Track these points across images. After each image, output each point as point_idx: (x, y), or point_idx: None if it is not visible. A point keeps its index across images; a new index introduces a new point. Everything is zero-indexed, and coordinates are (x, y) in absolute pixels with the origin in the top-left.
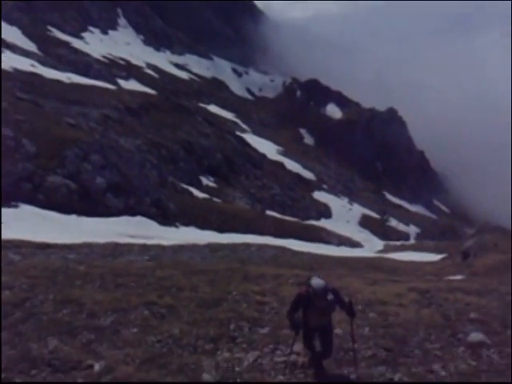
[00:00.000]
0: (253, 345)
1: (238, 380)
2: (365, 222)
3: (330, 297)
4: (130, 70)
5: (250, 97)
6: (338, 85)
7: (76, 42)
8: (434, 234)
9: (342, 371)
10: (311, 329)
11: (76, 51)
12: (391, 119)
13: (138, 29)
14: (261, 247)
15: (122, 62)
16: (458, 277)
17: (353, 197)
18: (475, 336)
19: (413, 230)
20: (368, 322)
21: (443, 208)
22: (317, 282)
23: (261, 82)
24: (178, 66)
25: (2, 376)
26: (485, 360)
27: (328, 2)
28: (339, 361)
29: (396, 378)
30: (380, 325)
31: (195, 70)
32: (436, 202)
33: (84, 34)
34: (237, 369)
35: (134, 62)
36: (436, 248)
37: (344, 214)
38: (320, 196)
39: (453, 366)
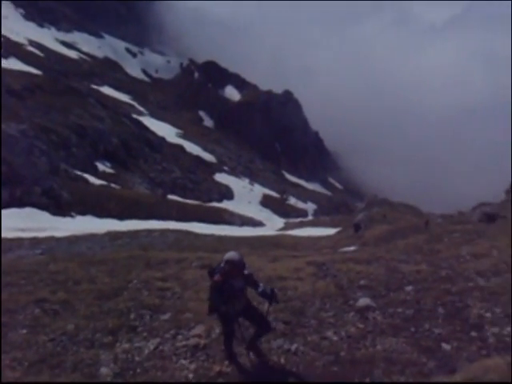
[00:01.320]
0: (153, 332)
1: (138, 370)
2: (266, 202)
3: (247, 271)
4: (10, 48)
5: (146, 78)
6: (236, 67)
7: None
8: (329, 210)
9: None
10: (233, 316)
11: None
12: (287, 101)
13: (16, 1)
14: (163, 232)
15: None
16: (351, 248)
17: (253, 177)
18: (363, 301)
19: (310, 206)
20: None
21: (337, 185)
22: (231, 253)
23: (157, 63)
24: (65, 44)
25: None
26: (371, 322)
27: None
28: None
29: (293, 348)
30: (279, 299)
31: (85, 48)
32: (331, 180)
33: None
34: (137, 358)
35: (14, 38)
36: (331, 223)
37: (245, 195)
38: (221, 178)
39: (344, 330)
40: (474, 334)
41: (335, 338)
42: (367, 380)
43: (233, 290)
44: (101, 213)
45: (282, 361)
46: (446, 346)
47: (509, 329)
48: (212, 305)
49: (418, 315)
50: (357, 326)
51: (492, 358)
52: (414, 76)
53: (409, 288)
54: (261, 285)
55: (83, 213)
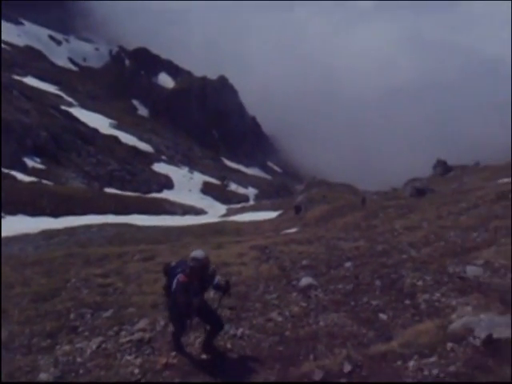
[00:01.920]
0: (96, 331)
1: (81, 371)
2: (207, 189)
3: (212, 268)
4: None
5: (73, 67)
6: (169, 53)
7: None
8: (270, 194)
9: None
10: (192, 313)
11: None
12: (223, 87)
13: None
14: (102, 227)
15: None
16: (293, 229)
17: (193, 165)
18: (305, 280)
19: (251, 191)
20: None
21: (276, 168)
22: (197, 252)
23: (84, 51)
24: None
25: None
26: (313, 300)
27: None
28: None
29: (239, 332)
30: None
31: (3, 36)
32: (270, 164)
33: None
34: (79, 360)
35: None
36: (273, 206)
37: (186, 183)
38: (160, 168)
39: (287, 310)
40: (407, 302)
41: (280, 319)
42: (311, 357)
43: (196, 288)
44: (33, 211)
45: (229, 346)
46: (383, 316)
47: (438, 294)
48: (171, 302)
49: (357, 289)
50: (300, 305)
51: (423, 323)
52: (346, 59)
53: (348, 264)
54: (216, 277)
55: (13, 212)
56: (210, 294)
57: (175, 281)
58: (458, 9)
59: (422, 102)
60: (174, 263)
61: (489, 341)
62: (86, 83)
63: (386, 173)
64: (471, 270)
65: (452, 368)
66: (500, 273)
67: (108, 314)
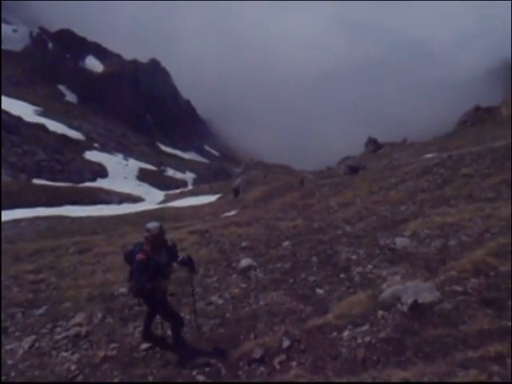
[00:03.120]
0: (28, 330)
1: (12, 373)
2: (143, 176)
3: (171, 242)
4: None
5: None
6: (96, 35)
7: None
8: (208, 178)
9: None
10: (159, 294)
11: None
12: (155, 70)
13: None
14: (33, 220)
15: None
16: (232, 212)
17: (127, 152)
18: (245, 262)
19: (189, 176)
20: None
21: (214, 152)
22: (151, 224)
23: (1, 33)
24: None
25: None
26: (253, 280)
27: None
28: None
29: None
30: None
31: None
32: (207, 148)
33: None
34: (9, 362)
35: None
36: (212, 190)
37: (121, 171)
38: (92, 156)
39: (228, 293)
40: (342, 275)
41: (220, 302)
42: (251, 336)
43: (158, 265)
44: None
45: (169, 333)
46: (319, 291)
47: (370, 266)
48: (136, 285)
49: (295, 267)
50: (240, 286)
51: (357, 295)
52: (279, 41)
53: (286, 243)
54: (179, 255)
55: None
56: None
57: (134, 264)
58: None
59: (353, 84)
60: (131, 247)
61: (414, 306)
62: (5, 68)
63: (320, 153)
64: (400, 242)
65: (382, 334)
66: (425, 242)
67: (41, 311)
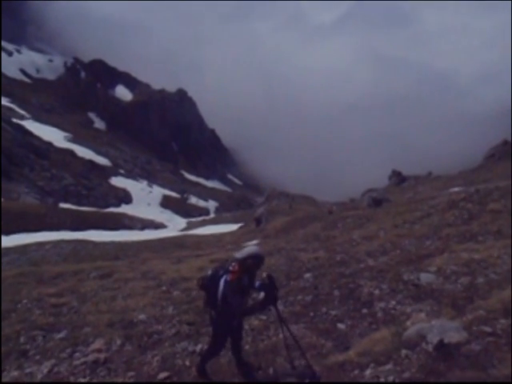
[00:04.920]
0: (47, 354)
1: None
2: (166, 203)
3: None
4: None
5: (26, 79)
6: (126, 66)
7: None
8: (230, 206)
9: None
10: (237, 315)
11: None
12: (181, 100)
13: None
14: (57, 244)
15: None
16: (254, 242)
17: (152, 179)
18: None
19: (212, 204)
20: (172, 300)
21: (236, 181)
22: (254, 249)
23: (38, 63)
24: None
25: None
26: (273, 312)
27: None
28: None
29: (198, 349)
30: (184, 301)
31: None
32: (230, 176)
33: None
34: None
35: None
36: (233, 219)
37: (145, 197)
38: (117, 181)
39: (247, 324)
40: (365, 310)
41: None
42: (271, 370)
43: (242, 286)
44: None
45: (187, 363)
46: (341, 326)
47: (394, 302)
48: (223, 307)
49: (316, 300)
50: (260, 318)
51: (380, 331)
52: (304, 73)
53: (307, 275)
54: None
55: None
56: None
57: (222, 283)
58: (410, 26)
59: (377, 117)
60: (210, 272)
61: (440, 346)
62: (39, 95)
63: (343, 184)
64: (425, 277)
65: (406, 374)
66: (451, 279)
67: (61, 335)
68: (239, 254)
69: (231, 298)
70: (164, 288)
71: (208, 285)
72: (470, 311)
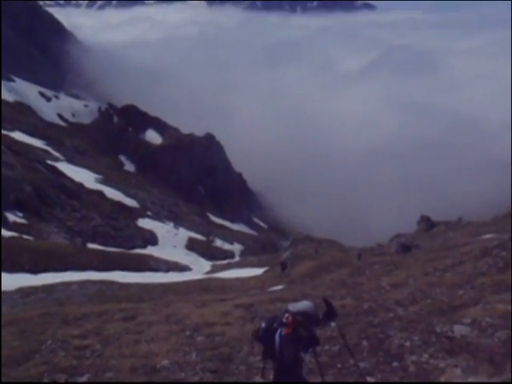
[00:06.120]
0: None
1: None
2: (192, 245)
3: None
4: None
5: (62, 123)
6: (156, 110)
7: None
8: (256, 250)
9: None
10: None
11: None
12: (210, 144)
13: None
14: (83, 284)
15: None
16: (279, 287)
17: (178, 221)
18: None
19: (237, 247)
20: (196, 346)
21: (262, 224)
22: (306, 305)
23: (74, 108)
24: None
25: None
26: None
27: (143, 29)
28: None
29: None
30: (207, 347)
31: None
32: (255, 219)
33: None
34: None
35: None
36: (259, 262)
37: (170, 239)
38: (144, 223)
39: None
40: (395, 364)
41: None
42: None
43: (300, 337)
44: (11, 267)
45: None
46: (370, 380)
47: (426, 355)
48: (282, 359)
49: (343, 351)
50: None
51: None
52: (331, 118)
53: (334, 324)
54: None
55: None
56: None
57: (278, 336)
58: (438, 72)
59: (404, 161)
60: (263, 325)
61: None
62: (73, 138)
63: (370, 229)
64: (459, 330)
65: None
66: (488, 332)
67: (84, 379)
68: (292, 307)
69: (288, 350)
70: (188, 333)
71: (263, 337)
72: (510, 369)
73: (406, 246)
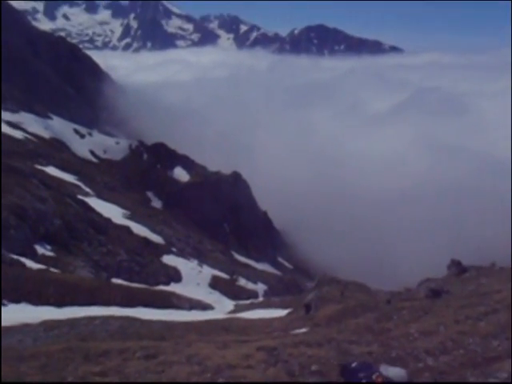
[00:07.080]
0: None
1: None
2: (215, 283)
3: None
4: None
5: (93, 159)
6: (185, 148)
7: None
8: (280, 290)
9: None
10: None
11: None
12: (236, 182)
13: None
14: (106, 319)
15: None
16: (303, 330)
17: (202, 258)
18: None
19: (261, 287)
20: None
21: (287, 264)
22: (396, 372)
23: (105, 144)
24: (10, 124)
25: None
26: None
27: (175, 71)
28: None
29: None
30: None
31: (31, 129)
32: (280, 259)
33: None
34: None
35: None
36: (282, 303)
37: (194, 277)
38: (169, 260)
39: None
40: None
41: None
42: None
43: None
44: (37, 300)
45: None
46: None
47: None
48: None
49: None
50: None
51: None
52: (357, 160)
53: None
54: None
55: (17, 300)
56: None
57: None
58: (468, 114)
59: (433, 203)
60: (354, 365)
61: None
62: (104, 174)
63: (398, 272)
64: None
65: None
66: None
67: None
68: (384, 370)
69: None
70: (208, 375)
71: (347, 376)
72: None
73: (435, 292)
